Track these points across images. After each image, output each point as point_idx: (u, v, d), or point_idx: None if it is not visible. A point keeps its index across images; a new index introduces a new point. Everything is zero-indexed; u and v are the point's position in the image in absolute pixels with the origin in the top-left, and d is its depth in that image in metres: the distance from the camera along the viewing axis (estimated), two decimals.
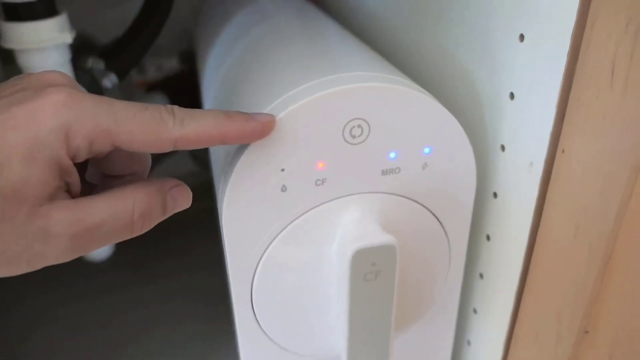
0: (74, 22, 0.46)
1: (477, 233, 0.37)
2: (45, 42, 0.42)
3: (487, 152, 0.35)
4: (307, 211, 0.31)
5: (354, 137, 0.29)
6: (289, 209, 0.30)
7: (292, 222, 0.31)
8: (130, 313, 0.67)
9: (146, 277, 0.72)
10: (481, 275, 0.38)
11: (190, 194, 0.26)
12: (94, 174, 0.27)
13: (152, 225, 0.25)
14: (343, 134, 0.29)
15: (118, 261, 0.71)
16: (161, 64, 0.74)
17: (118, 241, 0.24)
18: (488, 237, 0.37)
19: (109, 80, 0.51)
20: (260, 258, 0.31)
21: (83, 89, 0.23)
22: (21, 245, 0.21)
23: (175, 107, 0.24)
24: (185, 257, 0.74)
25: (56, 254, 0.22)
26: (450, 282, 0.37)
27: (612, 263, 0.26)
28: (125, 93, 0.74)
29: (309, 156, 0.29)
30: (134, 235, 0.24)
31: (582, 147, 0.27)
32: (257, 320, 0.34)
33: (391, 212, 0.32)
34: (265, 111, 0.29)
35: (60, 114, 0.21)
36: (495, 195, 0.35)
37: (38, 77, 0.23)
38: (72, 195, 0.23)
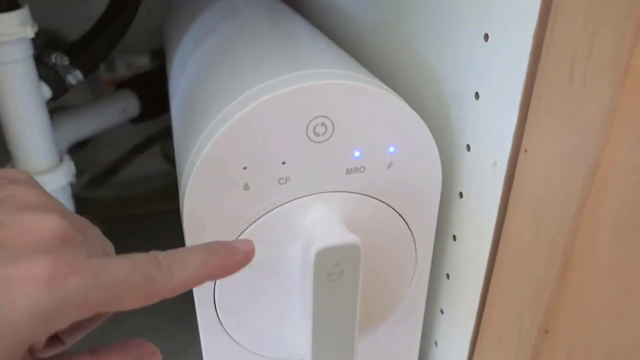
0: (41, 18, 0.45)
1: (444, 233, 0.37)
2: (5, 36, 0.41)
3: (452, 151, 0.35)
4: (270, 210, 0.30)
5: (317, 135, 0.29)
6: (251, 207, 0.30)
7: (255, 221, 0.30)
8: None
9: None
10: (448, 276, 0.38)
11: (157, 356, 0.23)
12: None
13: None
14: (307, 132, 0.29)
15: None
16: (131, 61, 0.73)
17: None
18: (454, 237, 0.37)
19: (74, 77, 0.49)
20: None
21: (74, 220, 0.21)
22: None
23: (160, 256, 0.21)
24: None
25: None
26: (416, 282, 0.37)
27: (572, 262, 0.26)
28: (93, 90, 0.73)
29: (272, 154, 0.29)
30: None
31: (543, 146, 0.27)
32: (221, 322, 0.33)
33: (356, 212, 0.32)
34: (227, 108, 0.29)
35: (40, 297, 0.17)
36: (461, 195, 0.35)
37: (15, 223, 0.19)
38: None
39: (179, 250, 0.22)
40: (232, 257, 0.24)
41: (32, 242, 0.19)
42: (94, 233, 0.23)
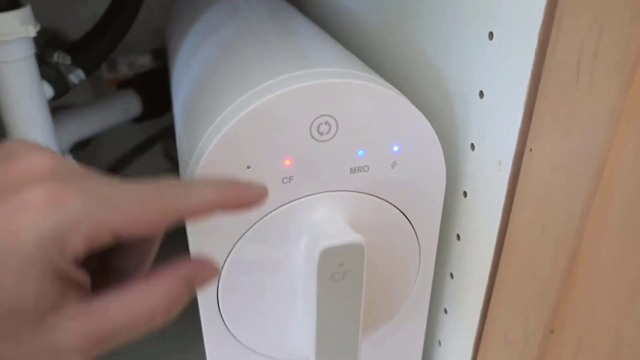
0: (42, 17, 0.44)
1: (448, 232, 0.37)
2: (6, 35, 0.41)
3: (456, 150, 0.35)
4: (273, 210, 0.30)
5: (321, 134, 0.29)
6: None
7: (258, 220, 0.30)
8: None
9: None
10: (452, 275, 0.38)
11: (216, 269, 0.23)
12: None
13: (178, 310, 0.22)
14: (310, 131, 0.28)
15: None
16: (133, 61, 0.73)
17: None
18: (458, 237, 0.36)
19: (76, 76, 0.49)
20: (226, 258, 0.31)
21: (72, 164, 0.20)
22: None
23: (174, 180, 0.21)
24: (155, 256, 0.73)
25: None
26: (420, 281, 0.37)
27: (578, 262, 0.26)
28: (95, 90, 0.73)
29: (276, 153, 0.28)
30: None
31: (549, 145, 0.27)
32: (224, 322, 0.33)
33: (360, 211, 0.31)
34: (231, 107, 0.28)
35: (41, 223, 0.18)
36: (465, 194, 0.35)
37: (8, 169, 0.19)
38: (85, 289, 0.20)
39: (196, 180, 0.22)
40: (247, 190, 0.23)
41: (27, 176, 0.19)
42: (94, 171, 0.22)
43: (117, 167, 0.76)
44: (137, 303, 0.20)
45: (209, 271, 0.22)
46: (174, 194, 0.20)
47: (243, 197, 0.23)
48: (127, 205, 0.19)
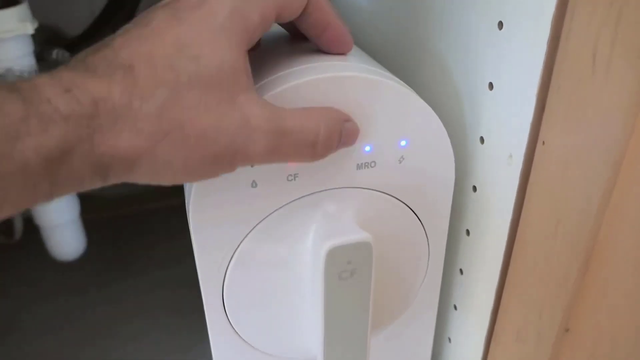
0: (41, 14, 0.44)
1: (457, 228, 0.36)
2: (4, 33, 0.40)
3: (465, 144, 0.34)
4: (279, 208, 0.29)
5: None
6: (259, 205, 0.29)
7: (263, 219, 0.29)
8: (103, 310, 0.66)
9: (119, 274, 0.71)
10: (461, 271, 0.37)
11: (358, 132, 0.27)
12: None
13: (329, 154, 0.25)
14: None
15: (90, 260, 0.69)
16: None
17: (298, 162, 0.25)
18: (468, 232, 0.36)
19: None
20: (231, 258, 0.30)
21: None
22: (225, 140, 0.22)
23: None
24: (159, 252, 0.73)
25: (254, 150, 0.23)
26: (429, 278, 0.36)
27: (594, 259, 0.25)
28: None
29: None
30: (313, 160, 0.25)
31: (562, 138, 0.26)
32: (230, 321, 0.33)
33: (367, 208, 0.31)
34: None
35: (228, 3, 0.22)
36: (474, 189, 0.34)
37: None
38: None
39: None
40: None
41: None
42: None
43: None
44: (306, 120, 0.24)
45: (351, 137, 0.27)
46: None
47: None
48: None
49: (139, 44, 0.21)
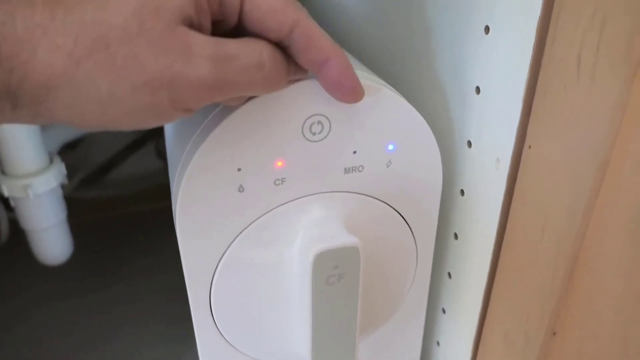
0: None
1: (445, 231, 0.36)
2: None
3: (453, 148, 0.34)
4: (266, 212, 0.29)
5: (314, 134, 0.28)
6: (247, 210, 0.29)
7: (250, 224, 0.29)
8: (89, 315, 0.65)
9: (106, 278, 0.70)
10: (449, 275, 0.37)
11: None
12: None
13: (281, 80, 0.24)
14: (302, 131, 0.28)
15: (77, 263, 0.69)
16: None
17: (251, 90, 0.23)
18: (456, 236, 0.36)
19: None
20: (218, 263, 0.30)
21: None
22: (160, 63, 0.19)
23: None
24: (148, 257, 0.72)
25: (198, 77, 0.20)
26: (418, 282, 0.36)
27: (580, 262, 0.25)
28: None
29: (267, 154, 0.28)
30: (266, 87, 0.23)
31: (549, 142, 0.26)
32: (217, 326, 0.32)
33: (355, 212, 0.31)
34: (220, 107, 0.27)
35: None
36: (462, 192, 0.34)
37: None
38: None
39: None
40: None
41: None
42: None
43: (109, 166, 0.74)
44: (247, 44, 0.22)
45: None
46: (293, 5, 0.23)
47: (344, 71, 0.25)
48: None
49: None
